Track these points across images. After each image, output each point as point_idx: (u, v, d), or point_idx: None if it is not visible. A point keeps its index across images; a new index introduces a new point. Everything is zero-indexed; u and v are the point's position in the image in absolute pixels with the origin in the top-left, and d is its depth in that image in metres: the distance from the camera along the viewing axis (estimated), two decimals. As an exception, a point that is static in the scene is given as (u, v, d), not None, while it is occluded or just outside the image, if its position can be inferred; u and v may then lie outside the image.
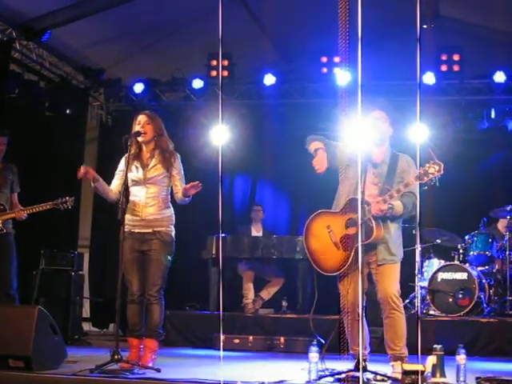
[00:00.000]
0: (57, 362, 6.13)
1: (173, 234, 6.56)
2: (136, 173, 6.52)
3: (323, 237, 6.15)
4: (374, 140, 6.08)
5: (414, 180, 5.83)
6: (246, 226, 11.56)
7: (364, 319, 5.96)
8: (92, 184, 6.47)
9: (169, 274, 6.56)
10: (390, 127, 6.21)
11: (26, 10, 10.16)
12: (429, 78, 11.06)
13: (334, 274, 6.05)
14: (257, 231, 11.48)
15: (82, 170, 6.37)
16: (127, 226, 6.34)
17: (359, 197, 5.58)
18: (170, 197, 6.62)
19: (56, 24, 10.34)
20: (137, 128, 6.53)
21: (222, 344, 8.84)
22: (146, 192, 6.49)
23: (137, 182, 6.51)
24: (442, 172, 5.67)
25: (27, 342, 5.78)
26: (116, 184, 6.62)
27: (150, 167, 6.52)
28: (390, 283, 5.97)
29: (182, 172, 6.62)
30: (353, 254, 5.86)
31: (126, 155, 6.45)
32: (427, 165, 5.69)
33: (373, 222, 5.86)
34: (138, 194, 6.50)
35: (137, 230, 6.45)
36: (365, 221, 5.82)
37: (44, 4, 10.08)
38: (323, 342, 5.98)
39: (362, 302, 5.55)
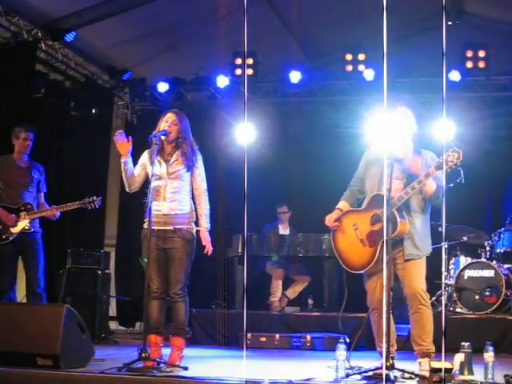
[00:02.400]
0: (85, 360, 6.15)
1: (194, 231, 6.54)
2: (159, 167, 6.51)
3: (350, 235, 6.18)
4: (398, 136, 6.03)
5: (433, 169, 5.80)
6: (272, 224, 11.55)
7: (391, 316, 5.95)
8: (124, 158, 6.46)
9: (195, 272, 6.57)
10: (415, 124, 6.17)
11: (51, 10, 10.22)
12: (454, 75, 10.99)
13: (362, 271, 6.06)
14: (284, 229, 11.48)
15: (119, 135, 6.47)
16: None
17: (385, 192, 5.55)
18: (191, 194, 6.62)
19: (81, 24, 10.40)
20: (163, 125, 6.55)
21: (246, 342, 8.86)
22: (168, 186, 6.48)
23: (159, 177, 6.50)
24: (462, 159, 5.63)
25: (55, 341, 5.80)
26: (136, 175, 6.63)
27: (171, 162, 6.52)
28: (417, 279, 5.93)
29: (204, 171, 6.65)
30: (379, 249, 5.86)
31: (149, 150, 6.51)
32: (446, 153, 5.66)
33: (397, 216, 5.84)
34: (160, 188, 6.50)
35: (159, 227, 6.42)
36: (389, 215, 5.79)
37: (69, 4, 10.13)
38: (348, 341, 5.98)
39: (388, 299, 5.52)
